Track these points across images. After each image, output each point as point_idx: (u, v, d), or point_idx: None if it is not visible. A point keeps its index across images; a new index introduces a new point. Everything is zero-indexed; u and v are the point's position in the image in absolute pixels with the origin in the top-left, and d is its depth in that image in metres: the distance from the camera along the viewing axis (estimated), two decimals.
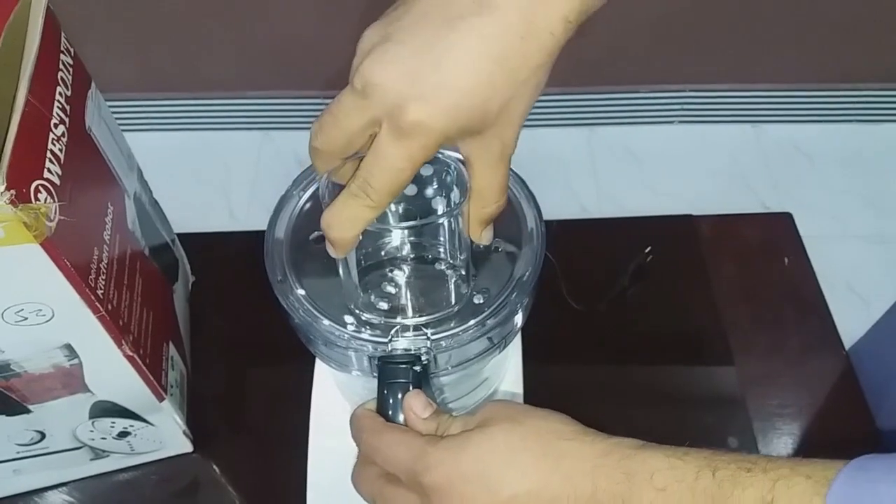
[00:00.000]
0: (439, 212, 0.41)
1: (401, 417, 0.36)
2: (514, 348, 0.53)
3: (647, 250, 0.65)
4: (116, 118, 0.51)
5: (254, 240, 0.44)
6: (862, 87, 1.56)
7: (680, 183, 1.50)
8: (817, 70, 1.54)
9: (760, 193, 1.51)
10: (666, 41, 1.48)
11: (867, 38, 1.47)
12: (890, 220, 1.47)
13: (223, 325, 0.64)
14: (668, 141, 1.60)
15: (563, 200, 1.46)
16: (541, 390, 0.53)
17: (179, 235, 0.63)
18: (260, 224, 0.45)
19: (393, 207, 0.40)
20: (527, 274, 0.41)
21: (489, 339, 0.40)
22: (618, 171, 1.55)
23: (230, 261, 0.69)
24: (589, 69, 1.53)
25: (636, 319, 0.64)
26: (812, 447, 0.57)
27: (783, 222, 0.70)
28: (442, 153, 0.39)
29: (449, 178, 0.41)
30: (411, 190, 0.42)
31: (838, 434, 0.58)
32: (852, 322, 0.67)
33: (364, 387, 0.43)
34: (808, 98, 1.58)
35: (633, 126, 1.62)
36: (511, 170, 0.45)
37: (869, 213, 1.48)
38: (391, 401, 0.36)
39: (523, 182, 0.44)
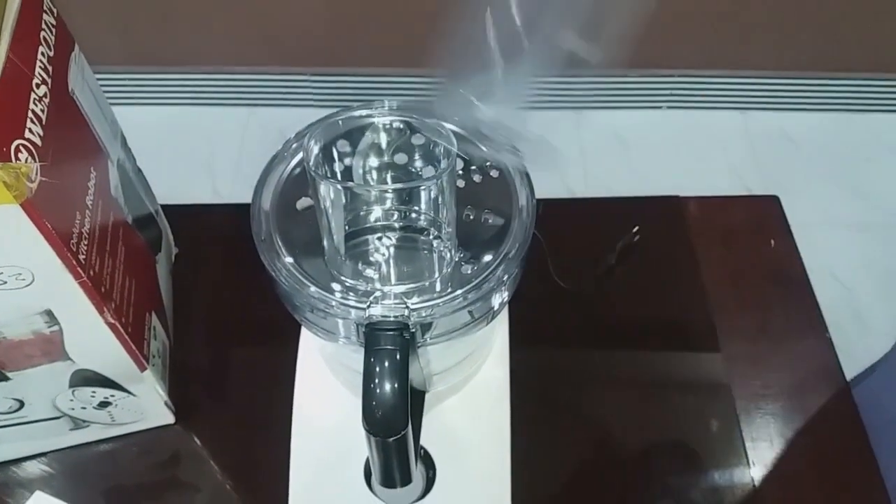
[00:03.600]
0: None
1: (387, 387, 0.36)
2: (501, 324, 0.53)
3: (634, 230, 0.65)
4: None
5: (239, 213, 0.44)
6: (849, 77, 1.57)
7: (667, 168, 1.50)
8: (806, 58, 1.54)
9: (746, 180, 1.51)
10: (655, 26, 1.48)
11: (856, 28, 1.48)
12: (873, 208, 1.48)
13: (207, 297, 0.64)
14: (656, 126, 1.60)
15: (549, 182, 1.46)
16: (527, 367, 0.53)
17: (164, 207, 0.63)
18: (244, 200, 0.44)
19: (382, 175, 0.39)
20: (515, 249, 0.40)
21: (474, 310, 0.40)
22: (605, 155, 1.55)
23: (215, 233, 0.68)
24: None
25: (622, 299, 0.64)
26: (794, 428, 0.57)
27: (770, 205, 0.70)
28: (435, 123, 0.39)
29: (437, 150, 0.41)
30: (401, 159, 0.41)
31: (820, 414, 0.58)
32: (833, 308, 0.68)
33: (350, 356, 0.43)
34: (796, 86, 1.59)
35: (621, 110, 1.62)
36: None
37: (853, 201, 1.49)
38: (378, 368, 0.36)
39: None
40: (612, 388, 0.60)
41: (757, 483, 0.55)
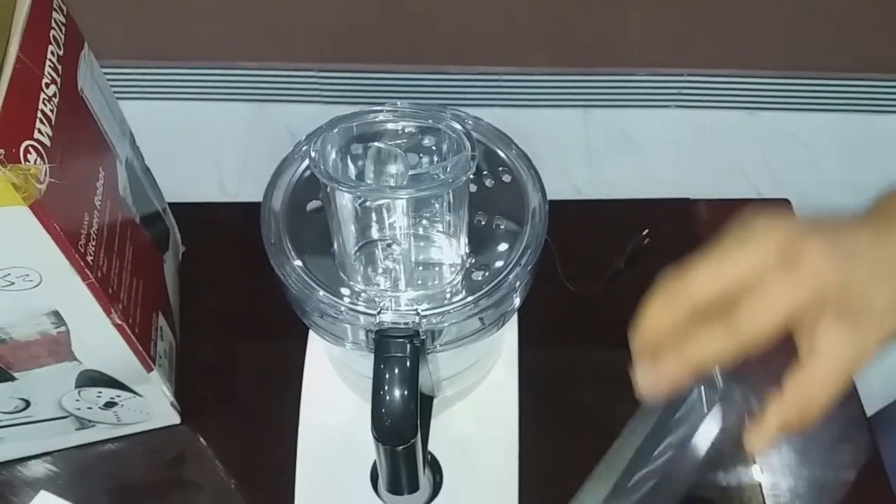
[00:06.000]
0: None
1: (397, 395, 0.36)
2: (510, 328, 0.53)
3: (644, 233, 0.65)
4: None
5: (247, 211, 0.43)
6: (860, 77, 1.56)
7: (674, 167, 1.50)
8: (815, 59, 1.53)
9: (755, 180, 1.51)
10: (665, 25, 1.47)
11: (867, 28, 1.47)
12: None
13: (214, 296, 0.63)
14: (665, 125, 1.60)
15: (557, 181, 1.45)
16: (535, 371, 0.53)
17: (171, 205, 0.62)
18: (251, 197, 0.43)
19: (394, 180, 0.39)
20: (527, 255, 0.40)
21: (485, 317, 0.39)
22: (613, 154, 1.54)
23: (222, 232, 0.68)
24: (587, 50, 1.51)
25: (632, 302, 0.63)
26: (804, 443, 0.57)
27: (781, 208, 0.69)
28: (448, 127, 0.38)
29: (451, 154, 0.40)
30: (414, 163, 0.41)
31: (832, 418, 0.58)
32: None
33: (358, 360, 0.42)
34: (806, 86, 1.58)
35: (629, 109, 1.61)
36: (518, 147, 0.44)
37: (862, 202, 1.48)
38: (387, 375, 0.36)
39: (529, 161, 0.43)
40: (621, 393, 0.59)
41: (765, 489, 0.54)
